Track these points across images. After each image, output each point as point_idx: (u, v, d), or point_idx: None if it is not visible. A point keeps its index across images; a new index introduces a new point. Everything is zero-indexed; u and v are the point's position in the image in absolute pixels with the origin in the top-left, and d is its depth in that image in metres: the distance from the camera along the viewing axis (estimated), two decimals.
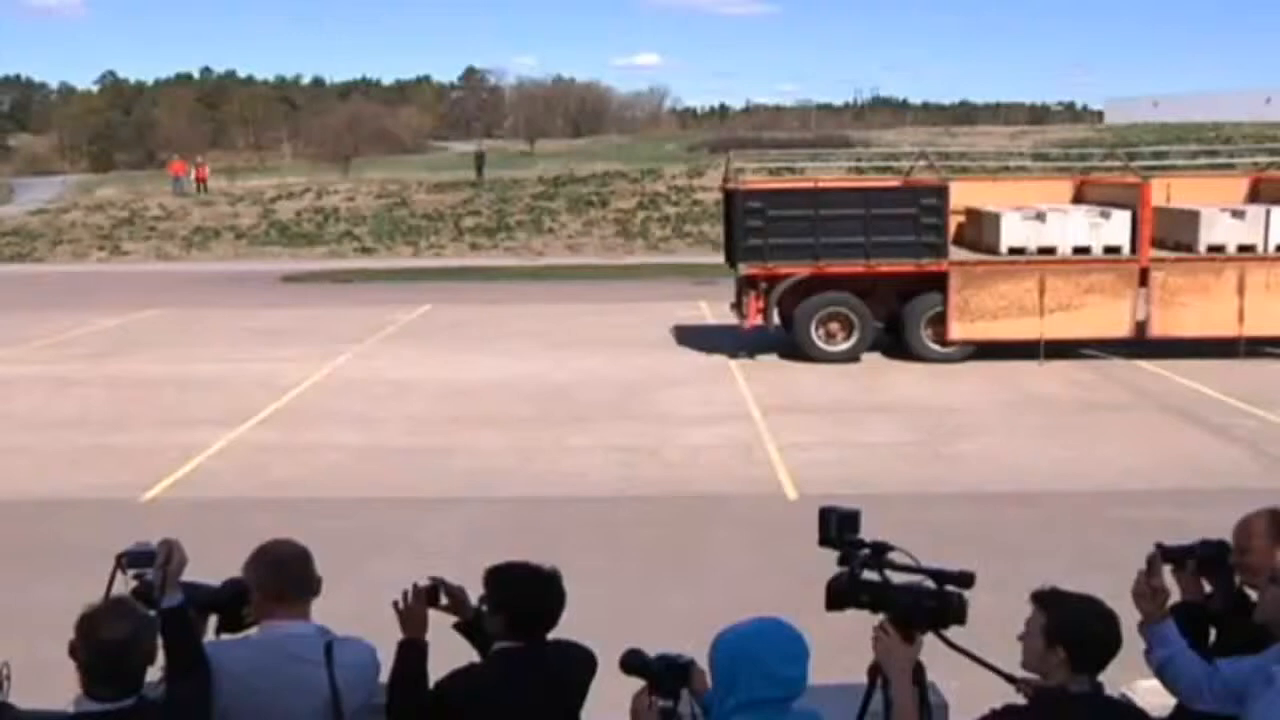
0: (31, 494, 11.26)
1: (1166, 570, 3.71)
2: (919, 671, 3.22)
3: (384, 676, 3.53)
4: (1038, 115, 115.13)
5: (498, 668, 3.45)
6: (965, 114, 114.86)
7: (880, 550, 3.32)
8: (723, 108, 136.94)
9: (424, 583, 3.57)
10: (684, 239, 37.66)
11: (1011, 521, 10.06)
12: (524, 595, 3.47)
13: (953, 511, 10.01)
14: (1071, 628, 3.11)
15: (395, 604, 3.53)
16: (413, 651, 3.48)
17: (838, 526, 3.37)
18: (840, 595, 3.33)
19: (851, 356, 17.41)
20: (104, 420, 14.35)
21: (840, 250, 17.02)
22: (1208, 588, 3.88)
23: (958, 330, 17.12)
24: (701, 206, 40.67)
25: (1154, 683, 4.40)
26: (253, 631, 3.51)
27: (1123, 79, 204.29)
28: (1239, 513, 3.85)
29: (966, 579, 3.16)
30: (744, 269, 17.38)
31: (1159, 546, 3.75)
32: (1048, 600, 3.19)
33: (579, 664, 3.56)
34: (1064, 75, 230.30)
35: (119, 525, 9.46)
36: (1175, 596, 3.87)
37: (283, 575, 3.50)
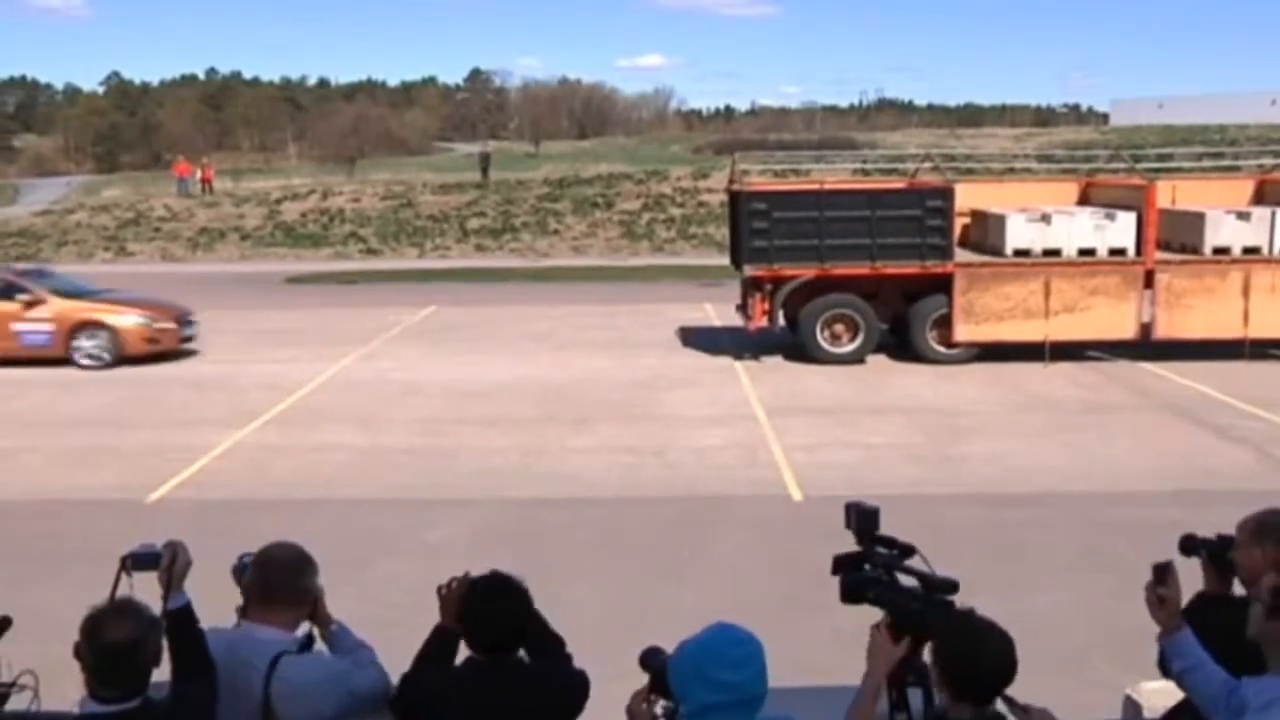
0: (38, 494, 11.29)
1: (1194, 563, 3.71)
2: (924, 673, 3.23)
3: (395, 676, 3.53)
4: (1043, 117, 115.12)
5: (455, 676, 3.45)
6: (970, 116, 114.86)
7: (907, 553, 3.39)
8: (728, 109, 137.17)
9: (476, 574, 3.56)
10: (689, 240, 37.68)
11: (1015, 522, 10.06)
12: (474, 610, 3.43)
13: (957, 512, 10.02)
14: (948, 654, 3.04)
15: (439, 589, 3.56)
16: (442, 637, 3.52)
17: (858, 522, 3.46)
18: (852, 591, 3.43)
19: (857, 358, 17.41)
20: (110, 421, 14.37)
21: (845, 252, 17.01)
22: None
23: (963, 332, 17.11)
24: (707, 208, 40.66)
25: (1158, 684, 4.41)
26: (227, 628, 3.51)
27: (1128, 81, 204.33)
28: (1242, 514, 3.85)
29: (949, 586, 3.21)
30: (749, 270, 17.39)
31: (1184, 537, 3.77)
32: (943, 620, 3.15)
33: (555, 691, 3.46)
34: (1069, 77, 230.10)
35: (125, 525, 9.50)
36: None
37: (266, 579, 3.50)
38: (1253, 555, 3.63)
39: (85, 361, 17.79)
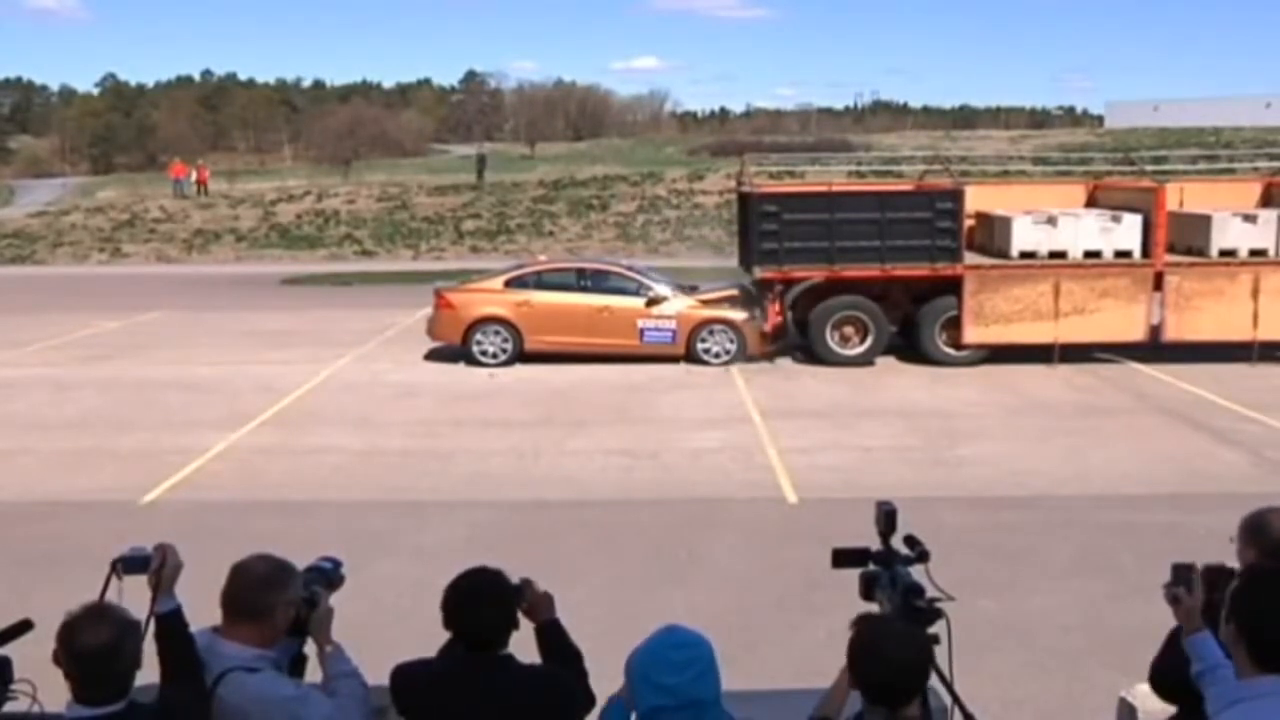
0: (32, 496, 11.25)
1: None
2: None
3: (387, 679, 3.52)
4: (1038, 119, 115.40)
5: (438, 669, 3.47)
6: (965, 118, 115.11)
7: (924, 558, 3.50)
8: (723, 111, 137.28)
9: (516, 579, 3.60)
10: (684, 242, 37.69)
11: (1011, 525, 10.06)
12: (456, 605, 3.44)
13: (953, 515, 10.00)
14: (856, 661, 3.05)
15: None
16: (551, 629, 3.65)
17: (885, 521, 3.57)
18: (868, 588, 3.56)
19: (866, 360, 17.41)
20: (105, 422, 14.34)
21: (855, 254, 17.02)
22: None
23: (972, 334, 17.11)
24: (702, 210, 40.71)
25: None
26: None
27: (1123, 84, 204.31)
28: (1237, 517, 3.85)
29: (924, 596, 3.34)
30: (759, 272, 17.40)
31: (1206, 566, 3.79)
32: (855, 625, 3.13)
33: (540, 694, 3.45)
34: (1064, 80, 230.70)
35: (119, 527, 9.49)
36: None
37: (230, 591, 3.47)
38: (1243, 556, 3.65)
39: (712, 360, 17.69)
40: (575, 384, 16.40)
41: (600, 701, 3.40)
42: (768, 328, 17.57)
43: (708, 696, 3.05)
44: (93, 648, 2.98)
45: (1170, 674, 3.61)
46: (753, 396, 15.46)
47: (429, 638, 3.59)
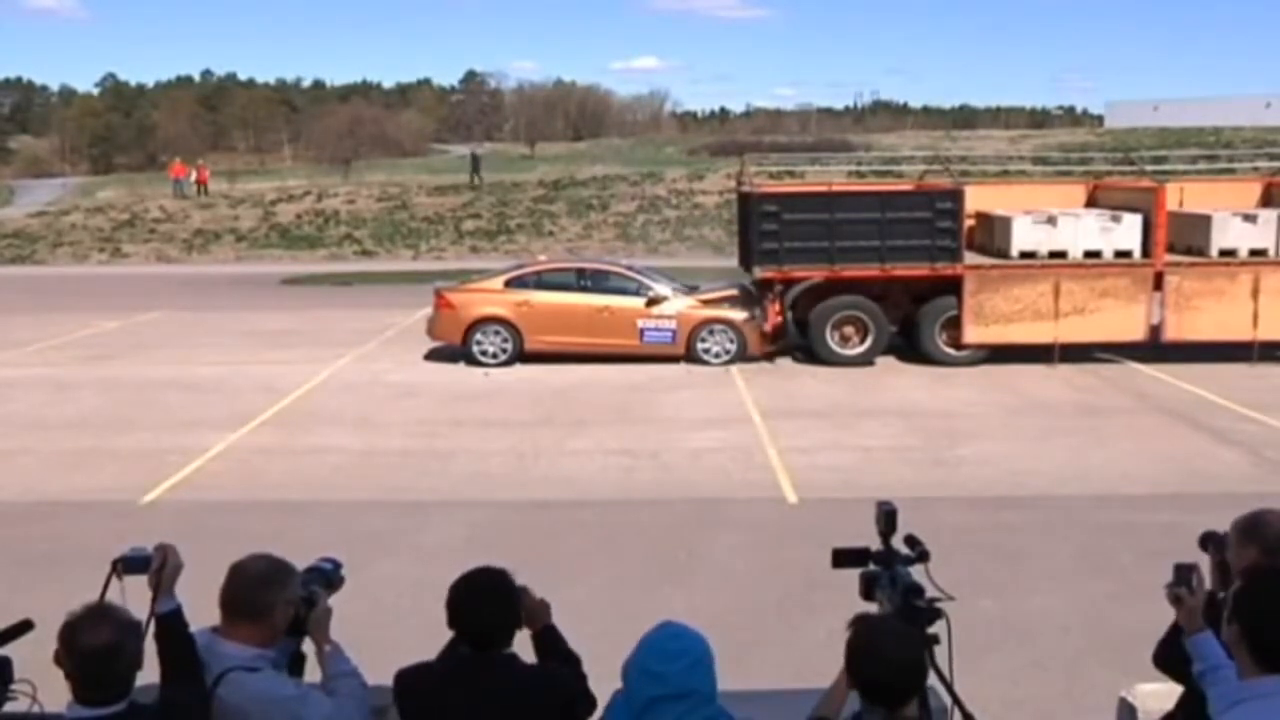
0: (32, 496, 11.25)
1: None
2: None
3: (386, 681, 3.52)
4: (1038, 119, 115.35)
5: (437, 668, 3.47)
6: (965, 117, 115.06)
7: (924, 558, 3.50)
8: (723, 111, 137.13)
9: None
10: (684, 242, 37.70)
11: (1011, 525, 10.06)
12: (460, 604, 3.44)
13: (953, 515, 10.00)
14: (852, 662, 3.05)
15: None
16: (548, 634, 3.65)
17: (885, 522, 3.58)
18: (868, 588, 3.57)
19: (867, 360, 17.42)
20: (104, 422, 14.34)
21: (855, 254, 17.02)
22: None
23: (972, 334, 17.12)
24: (702, 210, 40.71)
25: (1154, 686, 4.42)
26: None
27: (1122, 84, 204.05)
28: (1236, 516, 3.85)
29: (925, 596, 3.34)
30: (759, 272, 17.40)
31: (1204, 534, 3.81)
32: (852, 625, 3.13)
33: (543, 693, 3.45)
34: (1063, 80, 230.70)
35: (119, 527, 9.49)
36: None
37: (226, 591, 3.46)
38: (1242, 557, 3.65)
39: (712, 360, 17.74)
40: (575, 384, 16.40)
41: (602, 701, 3.40)
42: (768, 328, 17.58)
43: (702, 689, 3.06)
44: (94, 648, 2.98)
45: (1173, 663, 3.64)
46: (753, 396, 15.46)
47: (429, 638, 3.60)
